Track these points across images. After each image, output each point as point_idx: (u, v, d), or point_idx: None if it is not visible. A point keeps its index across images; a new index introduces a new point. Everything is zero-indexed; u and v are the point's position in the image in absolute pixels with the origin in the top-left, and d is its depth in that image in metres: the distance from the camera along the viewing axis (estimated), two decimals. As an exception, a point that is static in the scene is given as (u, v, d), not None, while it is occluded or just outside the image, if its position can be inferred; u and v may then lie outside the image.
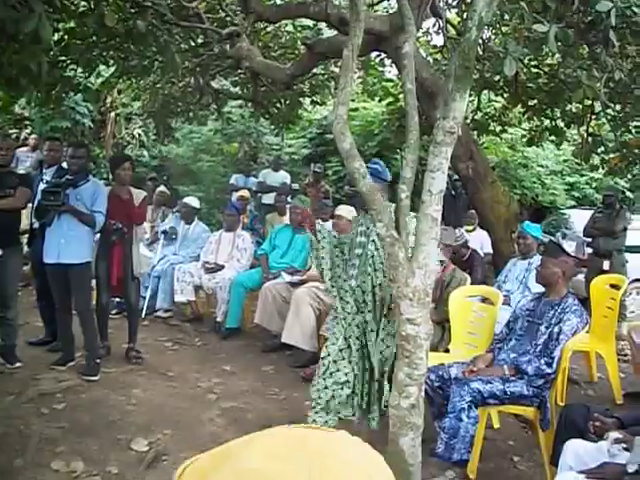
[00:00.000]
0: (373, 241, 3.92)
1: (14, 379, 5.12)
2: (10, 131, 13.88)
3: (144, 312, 7.11)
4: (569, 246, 4.44)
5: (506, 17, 6.80)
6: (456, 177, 8.56)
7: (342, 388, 4.06)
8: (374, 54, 8.60)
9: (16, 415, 4.42)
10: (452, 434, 3.80)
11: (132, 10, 6.15)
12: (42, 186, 5.40)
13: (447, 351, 5.00)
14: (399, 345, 3.25)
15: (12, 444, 3.98)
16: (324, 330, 5.77)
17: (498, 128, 10.17)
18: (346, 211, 6.62)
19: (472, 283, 5.58)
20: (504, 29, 7.43)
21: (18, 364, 5.37)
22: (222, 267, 7.29)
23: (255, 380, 5.61)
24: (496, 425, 4.52)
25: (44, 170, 5.72)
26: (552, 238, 5.46)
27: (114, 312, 6.83)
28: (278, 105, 10.53)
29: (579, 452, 3.12)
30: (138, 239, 5.92)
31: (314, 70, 8.67)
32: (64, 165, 5.83)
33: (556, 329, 3.98)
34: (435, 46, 9.47)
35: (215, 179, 14.46)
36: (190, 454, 3.00)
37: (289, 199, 9.35)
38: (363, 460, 0.85)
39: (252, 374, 5.77)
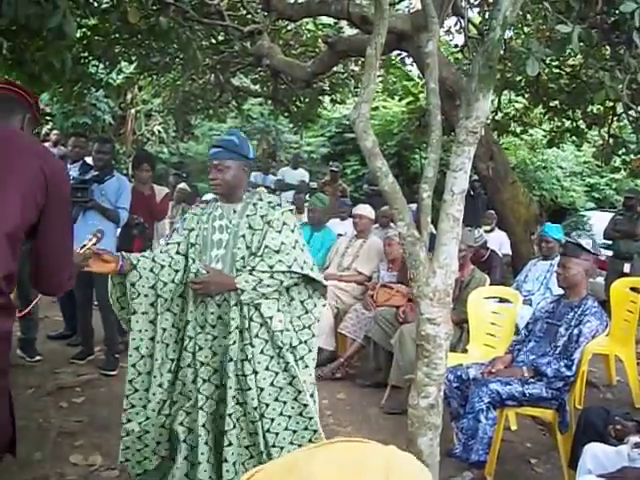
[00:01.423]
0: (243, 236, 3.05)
1: (34, 372, 5.17)
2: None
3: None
4: (587, 244, 4.38)
5: (528, 17, 6.78)
6: (475, 177, 8.53)
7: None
8: (394, 53, 8.59)
9: (35, 408, 4.46)
10: (470, 435, 3.79)
11: (154, 7, 6.19)
12: None
13: (465, 352, 4.98)
14: (418, 345, 3.25)
15: (31, 437, 4.01)
16: (342, 328, 5.77)
17: (519, 129, 10.13)
18: (366, 210, 6.62)
19: (490, 284, 5.56)
20: (526, 29, 7.40)
21: (38, 357, 5.42)
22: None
23: (272, 378, 5.61)
24: (513, 427, 4.51)
25: (69, 166, 5.76)
26: (568, 238, 5.42)
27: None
28: (298, 103, 10.55)
29: (598, 456, 3.10)
30: (159, 235, 5.96)
31: (334, 68, 8.66)
32: (88, 161, 5.87)
33: (576, 331, 3.95)
34: (456, 45, 9.44)
35: (234, 176, 14.48)
36: (209, 450, 2.95)
37: (307, 197, 9.36)
38: (422, 475, 0.87)
39: (269, 372, 5.77)
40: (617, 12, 4.67)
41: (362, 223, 6.54)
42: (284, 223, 3.03)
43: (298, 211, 9.30)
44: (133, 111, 14.66)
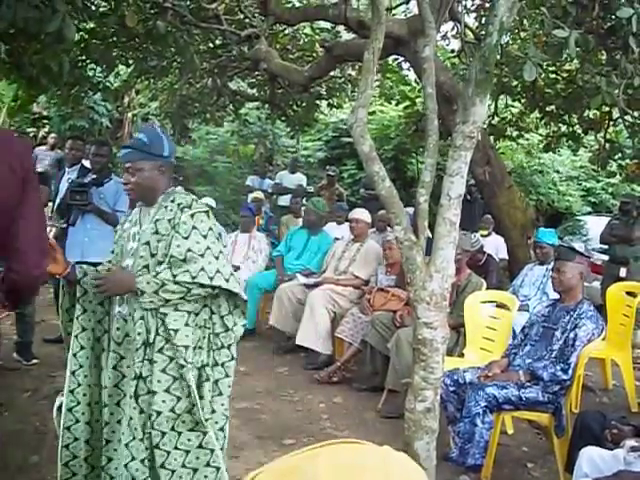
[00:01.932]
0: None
1: (30, 376, 5.16)
2: (28, 130, 14.01)
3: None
4: (579, 247, 4.41)
5: (525, 22, 6.80)
6: (472, 182, 8.55)
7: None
8: (391, 58, 8.61)
9: (32, 412, 4.45)
10: (467, 439, 3.79)
11: (152, 11, 6.21)
12: (66, 185, 5.44)
13: (462, 356, 4.99)
14: (415, 349, 3.26)
15: (28, 441, 4.01)
16: (339, 332, 5.78)
17: (515, 133, 10.15)
18: (363, 214, 6.64)
19: (487, 288, 5.57)
20: (523, 34, 7.42)
21: (34, 361, 5.42)
22: (237, 268, 7.30)
23: (269, 381, 5.62)
24: (510, 431, 4.52)
25: (67, 169, 5.75)
26: (561, 242, 5.47)
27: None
28: (295, 107, 10.56)
29: (595, 459, 3.11)
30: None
31: (331, 73, 8.68)
32: (86, 164, 5.87)
33: (571, 335, 3.96)
34: (452, 50, 9.46)
35: (231, 180, 14.52)
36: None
37: (304, 201, 9.37)
38: (418, 474, 0.88)
39: (266, 375, 5.78)
40: (613, 17, 4.70)
41: (359, 227, 6.55)
42: (194, 227, 2.67)
43: (295, 215, 9.33)
44: (130, 114, 14.67)
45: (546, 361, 3.96)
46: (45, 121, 14.07)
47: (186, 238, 2.65)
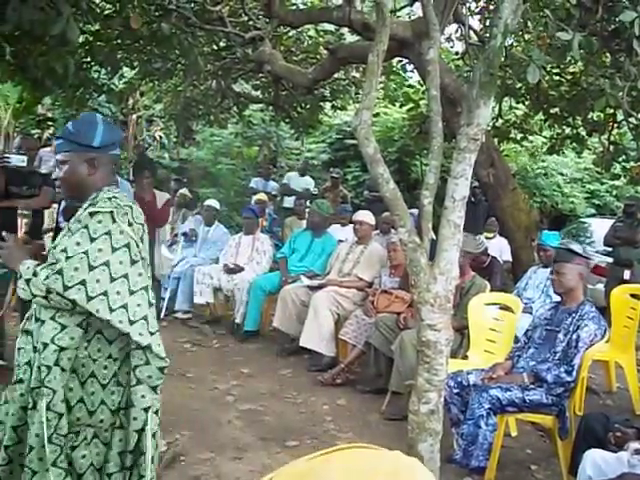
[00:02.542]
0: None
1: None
2: (33, 131, 14.02)
3: (163, 313, 7.15)
4: (578, 248, 4.42)
5: (529, 24, 6.80)
6: (476, 184, 8.54)
7: None
8: (395, 60, 8.61)
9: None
10: (470, 441, 3.80)
11: (156, 13, 6.23)
12: None
13: (466, 358, 4.99)
14: (419, 351, 3.26)
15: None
16: (343, 334, 5.78)
17: (519, 135, 10.14)
18: (367, 216, 6.64)
19: (491, 290, 5.57)
20: (527, 36, 7.42)
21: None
22: (242, 269, 7.31)
23: (273, 383, 5.62)
24: (514, 433, 4.51)
25: None
26: (559, 245, 5.51)
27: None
28: (299, 109, 10.57)
29: (598, 462, 3.10)
30: (159, 241, 5.97)
31: (335, 75, 8.69)
32: None
33: (574, 336, 3.96)
34: (457, 53, 9.46)
35: (235, 182, 14.54)
36: (208, 455, 3.04)
37: (308, 203, 9.38)
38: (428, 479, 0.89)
39: (270, 377, 5.78)
40: (617, 20, 4.69)
41: (363, 229, 6.55)
42: (85, 226, 2.28)
43: (299, 217, 9.35)
44: (135, 116, 14.70)
45: (550, 363, 3.96)
46: (50, 123, 14.08)
47: (70, 237, 2.31)
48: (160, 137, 15.59)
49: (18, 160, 4.98)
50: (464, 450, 3.82)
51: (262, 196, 9.99)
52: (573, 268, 4.12)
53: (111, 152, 2.53)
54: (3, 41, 4.58)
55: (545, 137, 10.60)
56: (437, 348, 3.18)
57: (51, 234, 6.91)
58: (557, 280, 4.17)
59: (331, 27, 8.99)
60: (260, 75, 9.26)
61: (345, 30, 8.49)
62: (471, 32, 7.18)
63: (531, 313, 5.48)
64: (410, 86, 11.09)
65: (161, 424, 4.15)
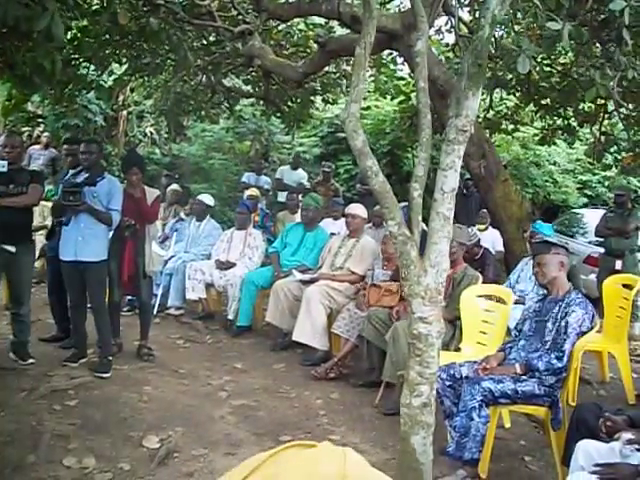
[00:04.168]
0: None
1: (26, 375, 5.15)
2: (23, 129, 13.96)
3: (156, 309, 7.14)
4: (552, 239, 4.46)
5: (519, 15, 6.78)
6: (468, 176, 8.54)
7: None
8: (386, 52, 8.60)
9: (28, 411, 4.44)
10: (463, 433, 3.80)
11: (145, 8, 6.18)
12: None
13: (458, 350, 5.00)
14: (410, 344, 3.25)
15: (25, 440, 4.00)
16: (335, 328, 5.78)
17: (510, 127, 10.15)
18: (359, 210, 6.63)
19: (484, 282, 5.57)
20: (516, 27, 7.41)
21: (30, 360, 5.40)
22: (234, 265, 7.30)
23: (266, 378, 5.62)
24: (507, 425, 4.52)
25: (70, 171, 5.71)
26: (534, 240, 5.58)
27: (126, 309, 6.87)
28: (290, 103, 10.54)
29: (591, 452, 3.11)
30: (150, 237, 5.94)
31: (326, 68, 8.66)
32: None
33: (562, 323, 3.96)
34: (447, 44, 9.45)
35: (227, 177, 14.48)
36: (201, 451, 3.04)
37: (300, 197, 9.37)
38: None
39: (263, 372, 5.78)
40: (607, 9, 4.67)
41: (355, 222, 6.54)
42: None
43: (291, 211, 9.33)
44: (125, 113, 14.59)
45: (541, 352, 3.97)
46: (40, 120, 14.01)
47: None
48: (151, 133, 15.50)
49: None
50: (457, 442, 3.82)
51: (254, 191, 9.95)
52: (552, 258, 4.17)
53: None
54: (-11, 38, 4.55)
55: (536, 128, 10.61)
56: (428, 341, 3.17)
57: (43, 232, 6.90)
58: (539, 272, 4.22)
59: (321, 20, 8.95)
60: (250, 69, 9.21)
61: (335, 23, 8.46)
62: (461, 24, 7.16)
63: (524, 304, 5.49)
64: (401, 78, 11.07)
65: (154, 420, 4.16)
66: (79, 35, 6.36)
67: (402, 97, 11.17)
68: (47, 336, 6.05)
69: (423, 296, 3.17)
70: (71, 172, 5.65)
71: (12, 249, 5.18)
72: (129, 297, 6.81)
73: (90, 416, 4.46)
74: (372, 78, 10.82)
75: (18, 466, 3.66)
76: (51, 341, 6.00)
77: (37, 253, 6.62)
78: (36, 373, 5.21)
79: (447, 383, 4.12)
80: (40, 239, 6.99)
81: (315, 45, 7.52)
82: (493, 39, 6.41)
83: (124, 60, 7.71)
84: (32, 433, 4.12)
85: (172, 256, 7.74)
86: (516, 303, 5.34)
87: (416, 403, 3.16)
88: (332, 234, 7.35)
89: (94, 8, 5.95)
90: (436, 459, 3.34)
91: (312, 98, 10.64)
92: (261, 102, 11.07)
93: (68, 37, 5.91)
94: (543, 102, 8.46)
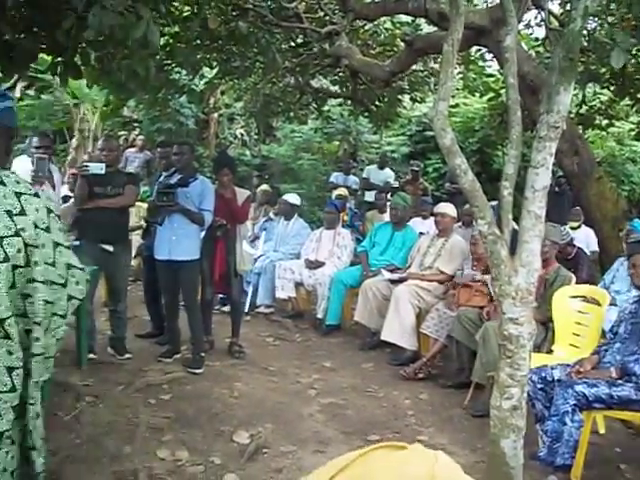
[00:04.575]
0: None
1: (124, 370, 5.34)
2: (120, 133, 14.50)
3: (247, 308, 7.27)
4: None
5: (612, 6, 6.55)
6: (560, 173, 8.31)
7: None
8: (474, 49, 8.47)
9: (125, 404, 4.61)
10: (555, 438, 3.70)
11: (234, 13, 6.31)
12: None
13: (550, 352, 4.87)
14: (501, 345, 3.20)
15: (121, 431, 4.15)
16: (424, 328, 5.74)
17: (604, 122, 9.81)
18: (448, 209, 6.56)
19: (577, 282, 5.41)
20: (610, 19, 7.17)
21: (127, 355, 5.61)
22: (323, 264, 7.35)
23: (354, 377, 5.63)
24: (601, 430, 4.36)
25: (163, 173, 5.89)
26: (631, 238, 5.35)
27: (217, 307, 7.03)
28: (377, 103, 10.52)
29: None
30: (241, 237, 6.06)
31: (413, 67, 8.61)
32: None
33: (661, 326, 3.82)
34: (537, 39, 9.22)
35: (316, 177, 14.60)
36: (290, 448, 3.08)
37: (389, 197, 9.34)
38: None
39: (351, 371, 5.80)
40: None
41: (444, 222, 6.47)
42: None
43: (379, 211, 9.33)
44: (216, 115, 14.94)
45: (638, 355, 3.82)
46: (135, 124, 14.51)
47: None
48: (241, 135, 15.82)
49: (96, 168, 5.15)
50: (549, 447, 3.72)
51: (342, 191, 10.00)
52: None
53: None
54: (88, 47, 4.74)
55: (632, 123, 10.22)
56: (519, 342, 3.10)
57: (139, 232, 7.14)
58: (635, 273, 4.06)
59: (408, 18, 8.90)
60: (338, 70, 9.25)
61: (422, 21, 8.41)
62: (551, 17, 6.97)
63: (617, 305, 5.30)
64: (490, 75, 10.87)
65: (244, 416, 4.24)
66: (171, 41, 6.54)
67: (491, 94, 10.96)
68: (143, 332, 6.26)
69: (514, 296, 3.11)
70: (164, 174, 5.81)
71: (110, 248, 5.38)
72: (220, 295, 6.96)
73: (183, 410, 4.58)
74: (460, 75, 10.68)
75: (115, 456, 3.80)
76: (146, 337, 6.21)
77: (134, 252, 6.88)
78: (132, 368, 5.40)
79: (539, 386, 4.02)
80: (137, 239, 7.26)
81: (402, 43, 7.48)
82: (585, 32, 6.22)
83: (214, 64, 7.88)
84: (128, 425, 4.27)
85: (261, 255, 7.87)
86: (611, 304, 5.16)
87: (506, 406, 3.10)
88: (421, 233, 7.31)
89: (185, 14, 6.11)
90: (527, 463, 3.27)
91: (400, 97, 10.60)
92: (349, 102, 11.10)
93: (161, 43, 6.09)
94: (639, 96, 8.14)
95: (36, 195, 2.09)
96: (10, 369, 1.99)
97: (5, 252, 1.94)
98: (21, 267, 1.99)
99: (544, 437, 3.80)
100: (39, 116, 15.18)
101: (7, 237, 1.95)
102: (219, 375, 5.40)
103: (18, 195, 2.03)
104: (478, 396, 4.89)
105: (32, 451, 2.22)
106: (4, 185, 2.01)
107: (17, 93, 13.20)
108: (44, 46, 4.63)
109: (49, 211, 2.12)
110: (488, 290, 5.33)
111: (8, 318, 1.96)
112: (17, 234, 1.97)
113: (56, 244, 2.12)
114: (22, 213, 2.01)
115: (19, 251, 1.97)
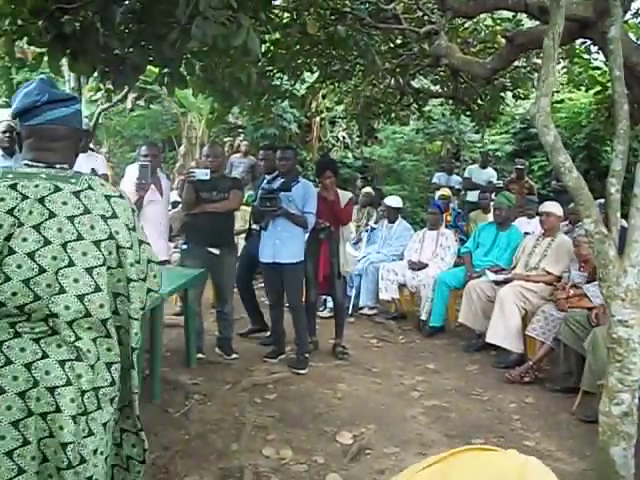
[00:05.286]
0: None
1: (230, 369, 5.50)
2: (225, 139, 14.90)
3: (350, 309, 7.31)
4: None
5: None
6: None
7: None
8: (579, 42, 8.19)
9: (232, 403, 4.75)
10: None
11: (332, 17, 6.36)
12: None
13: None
14: (610, 348, 3.09)
15: (228, 429, 4.28)
16: (530, 331, 5.60)
17: None
18: (554, 207, 6.38)
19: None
20: None
21: (234, 355, 5.77)
22: (426, 265, 7.31)
23: (459, 379, 5.57)
24: None
25: (266, 177, 6.02)
26: None
27: (322, 309, 7.11)
28: (479, 101, 10.34)
29: None
30: (345, 238, 6.12)
31: (515, 63, 8.41)
32: None
33: None
34: (648, 27, 8.81)
35: (418, 178, 14.54)
36: (393, 450, 3.08)
37: (493, 196, 9.18)
38: None
39: (456, 373, 5.73)
40: None
41: (549, 221, 6.30)
42: None
43: (483, 211, 9.18)
44: (318, 119, 15.09)
45: None
46: (240, 130, 14.86)
47: None
48: (343, 137, 15.93)
49: (202, 174, 5.31)
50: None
51: (445, 191, 9.91)
52: None
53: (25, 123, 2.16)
54: (192, 58, 4.92)
55: None
56: (629, 346, 3.00)
57: (243, 235, 7.33)
58: None
59: (508, 14, 8.70)
60: (438, 69, 9.16)
61: (523, 16, 8.19)
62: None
63: None
64: (596, 68, 10.48)
65: (348, 417, 4.28)
66: (272, 48, 6.66)
67: (598, 87, 10.56)
68: (244, 330, 6.43)
69: (623, 298, 3.01)
70: (267, 177, 5.92)
71: (216, 252, 5.55)
72: (324, 297, 7.04)
73: (288, 410, 4.67)
74: (565, 70, 10.35)
75: (222, 453, 3.93)
76: (249, 334, 6.39)
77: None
78: (239, 367, 5.55)
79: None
80: (242, 242, 7.44)
81: (503, 40, 7.32)
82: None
83: (315, 68, 7.96)
84: (235, 423, 4.40)
85: (363, 257, 7.90)
86: None
87: (616, 412, 3.00)
88: (526, 233, 7.13)
89: (285, 21, 6.21)
90: (638, 473, 3.14)
91: (502, 94, 10.37)
92: (450, 101, 10.96)
93: (262, 50, 6.22)
94: None
95: (121, 196, 2.19)
96: (109, 364, 2.10)
97: (103, 255, 2.04)
98: (113, 268, 2.09)
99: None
100: (149, 125, 15.85)
101: (103, 240, 2.05)
102: (323, 376, 5.47)
103: (107, 198, 2.12)
104: (587, 401, 4.72)
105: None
106: (93, 189, 2.09)
107: (128, 104, 13.85)
108: (151, 58, 4.82)
109: (133, 211, 2.23)
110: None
111: (110, 318, 2.07)
112: (111, 237, 2.07)
113: (140, 242, 2.22)
114: (114, 216, 2.10)
115: (110, 253, 2.07)
